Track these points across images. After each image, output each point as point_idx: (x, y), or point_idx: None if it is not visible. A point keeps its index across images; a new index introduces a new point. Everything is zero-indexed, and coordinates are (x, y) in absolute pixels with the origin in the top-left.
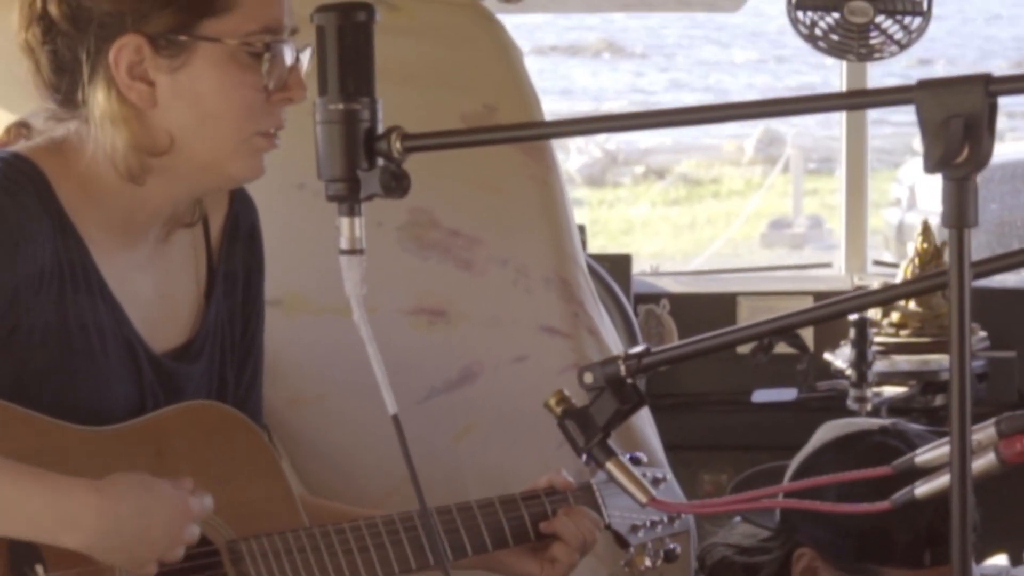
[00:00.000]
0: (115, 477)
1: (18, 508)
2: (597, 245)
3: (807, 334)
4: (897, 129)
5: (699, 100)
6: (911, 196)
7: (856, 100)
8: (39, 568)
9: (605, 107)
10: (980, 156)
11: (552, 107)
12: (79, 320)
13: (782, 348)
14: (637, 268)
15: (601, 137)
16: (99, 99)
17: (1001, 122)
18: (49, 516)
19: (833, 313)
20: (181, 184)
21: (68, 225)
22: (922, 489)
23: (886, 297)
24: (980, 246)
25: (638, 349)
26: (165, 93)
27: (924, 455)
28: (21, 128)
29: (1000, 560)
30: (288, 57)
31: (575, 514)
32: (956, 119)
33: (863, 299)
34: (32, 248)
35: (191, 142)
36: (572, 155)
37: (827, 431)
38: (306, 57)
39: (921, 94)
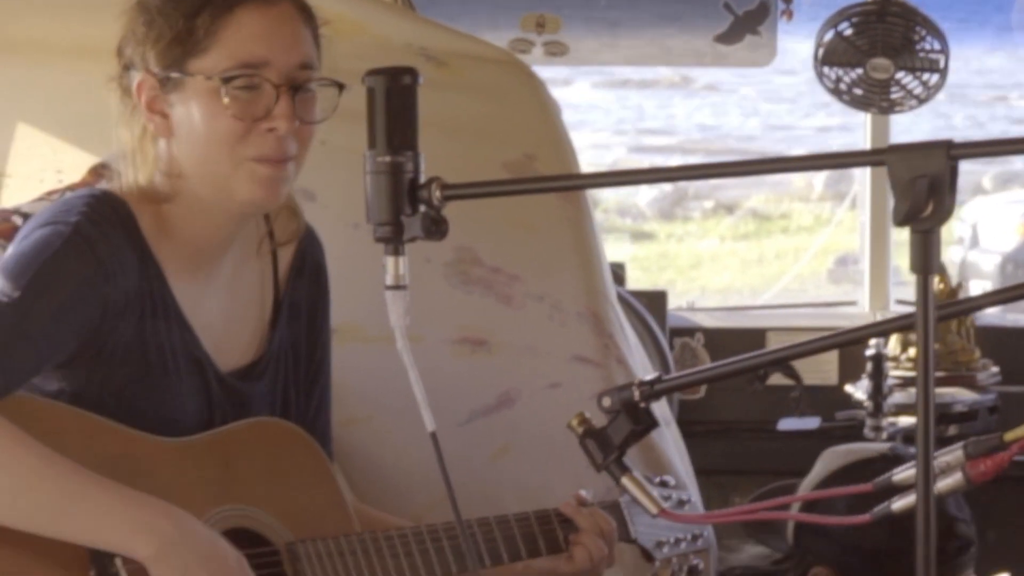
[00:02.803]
0: (188, 515)
1: (99, 516)
2: (665, 279)
3: (832, 368)
4: (961, 168)
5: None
6: (974, 235)
7: (835, 160)
8: (118, 561)
9: (676, 140)
10: (943, 211)
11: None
12: (155, 342)
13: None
14: (674, 303)
15: None
16: (127, 133)
17: None
18: (127, 524)
19: (812, 350)
20: (213, 211)
21: (149, 255)
22: (898, 504)
23: (858, 336)
24: None
25: (650, 377)
26: (175, 124)
27: (901, 474)
28: (102, 169)
29: None
30: (267, 91)
31: (587, 508)
32: (922, 179)
33: (837, 339)
34: (119, 278)
35: (195, 167)
36: (643, 189)
37: (832, 459)
38: (326, 93)
39: (891, 157)
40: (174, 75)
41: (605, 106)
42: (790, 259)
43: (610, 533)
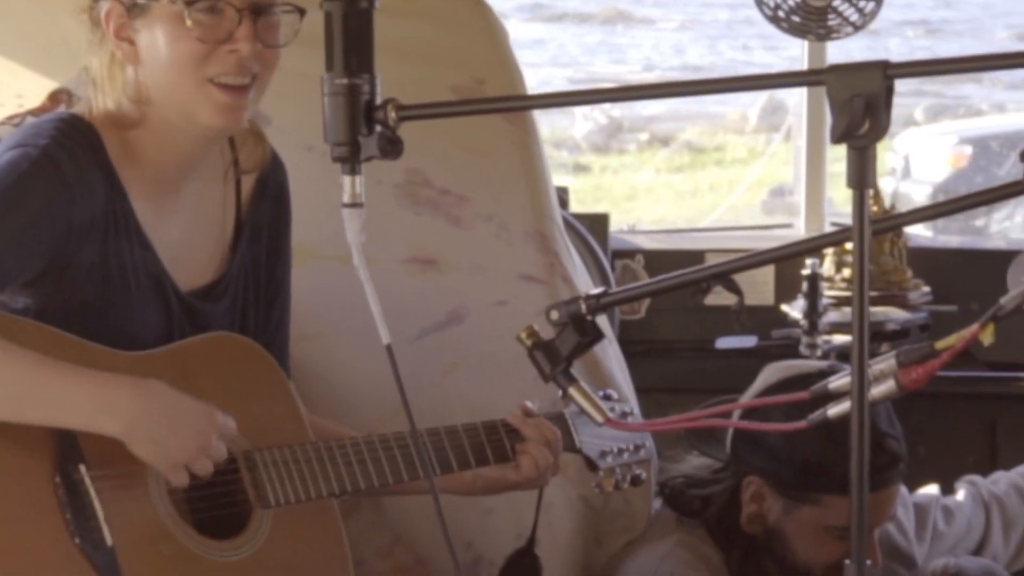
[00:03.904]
0: (152, 381)
1: (64, 397)
2: (601, 210)
3: (768, 289)
4: (893, 100)
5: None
6: (906, 166)
7: (775, 80)
8: (82, 467)
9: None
10: (879, 129)
11: (556, 74)
12: (118, 260)
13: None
14: (615, 226)
15: (606, 104)
16: (96, 61)
17: (1002, 93)
18: (92, 404)
19: (753, 263)
20: (179, 135)
21: (114, 177)
22: (834, 411)
23: (797, 250)
24: (979, 214)
25: (596, 291)
26: (141, 49)
27: (836, 382)
28: (62, 95)
29: (932, 489)
30: (229, 14)
31: (534, 419)
32: (859, 98)
33: (776, 252)
34: (86, 200)
35: (160, 91)
36: (578, 121)
37: (771, 373)
38: (289, 19)
39: (830, 76)
40: (140, 1)
41: (541, 40)
42: (724, 191)
43: (555, 442)
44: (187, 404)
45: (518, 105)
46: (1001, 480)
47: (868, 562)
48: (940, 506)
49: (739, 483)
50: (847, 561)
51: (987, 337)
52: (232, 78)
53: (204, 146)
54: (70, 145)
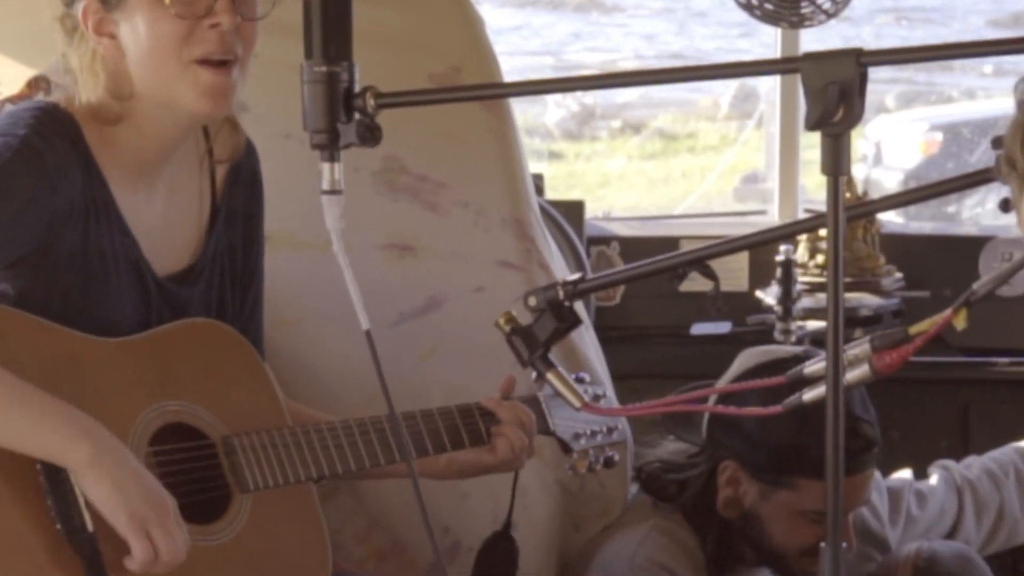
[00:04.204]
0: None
1: (35, 423)
2: (574, 196)
3: (742, 275)
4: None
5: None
6: (877, 152)
7: (750, 68)
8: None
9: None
10: (853, 116)
11: (530, 61)
12: (98, 247)
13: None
14: (590, 213)
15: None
16: (76, 58)
17: (973, 80)
18: (65, 429)
19: (728, 249)
20: (158, 125)
21: (93, 165)
22: (809, 395)
23: (772, 236)
24: (951, 200)
25: (573, 277)
26: (123, 42)
27: (811, 367)
28: (40, 82)
29: (905, 474)
30: None
31: (508, 401)
32: (833, 85)
33: (752, 239)
34: (66, 188)
35: (145, 80)
36: (550, 109)
37: (747, 358)
38: None
39: (804, 64)
40: None
41: (516, 26)
42: (696, 178)
43: (530, 425)
44: (150, 477)
45: (495, 93)
46: (974, 465)
47: (843, 545)
48: (913, 491)
49: (715, 468)
50: (822, 544)
51: (960, 322)
52: (216, 55)
53: (185, 133)
54: (49, 134)
